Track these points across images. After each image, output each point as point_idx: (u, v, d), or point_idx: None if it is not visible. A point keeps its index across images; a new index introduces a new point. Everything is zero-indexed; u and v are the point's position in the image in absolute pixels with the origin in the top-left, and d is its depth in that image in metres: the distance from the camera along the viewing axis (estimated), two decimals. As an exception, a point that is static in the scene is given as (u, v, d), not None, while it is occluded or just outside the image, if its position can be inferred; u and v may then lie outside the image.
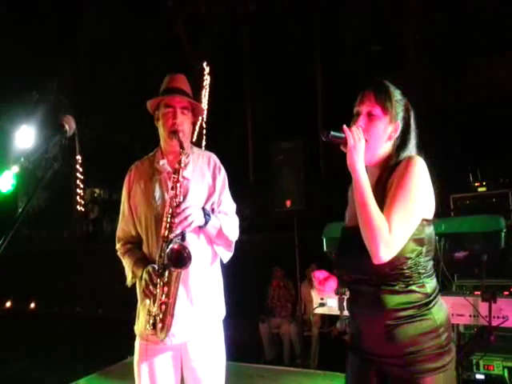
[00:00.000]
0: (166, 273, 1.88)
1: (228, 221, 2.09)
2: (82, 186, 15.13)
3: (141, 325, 2.04)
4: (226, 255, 2.13)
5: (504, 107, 8.89)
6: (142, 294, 2.03)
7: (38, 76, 12.84)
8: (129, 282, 2.10)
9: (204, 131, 14.50)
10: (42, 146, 1.46)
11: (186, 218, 1.90)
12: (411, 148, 1.59)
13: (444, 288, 2.85)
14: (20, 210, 1.38)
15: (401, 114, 1.59)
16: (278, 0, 12.41)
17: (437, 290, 1.52)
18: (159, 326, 1.89)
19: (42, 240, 13.38)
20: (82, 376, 3.87)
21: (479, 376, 3.16)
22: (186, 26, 13.89)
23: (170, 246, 1.86)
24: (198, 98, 13.85)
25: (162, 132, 2.09)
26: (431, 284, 1.51)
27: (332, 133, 1.51)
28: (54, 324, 7.07)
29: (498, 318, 2.61)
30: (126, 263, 2.10)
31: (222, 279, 2.16)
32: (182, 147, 1.97)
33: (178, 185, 1.95)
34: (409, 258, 1.46)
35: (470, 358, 3.00)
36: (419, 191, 1.47)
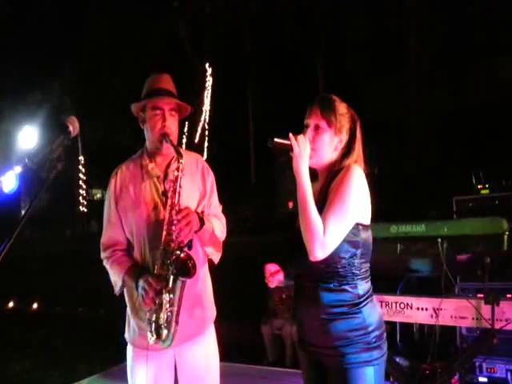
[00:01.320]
0: (170, 281, 1.84)
1: (218, 223, 2.09)
2: (84, 186, 15.17)
3: (133, 333, 2.02)
4: (217, 256, 2.13)
5: (506, 108, 8.86)
6: (131, 302, 2.01)
7: (40, 76, 12.87)
8: (117, 290, 2.05)
9: (206, 132, 14.52)
10: (46, 146, 1.46)
11: (187, 225, 1.86)
12: (355, 156, 1.74)
13: (446, 290, 2.84)
14: (23, 212, 1.38)
15: (346, 126, 1.74)
16: (280, 1, 12.42)
17: (369, 293, 1.67)
18: (164, 333, 1.85)
19: (44, 240, 13.40)
20: (84, 376, 3.87)
21: (482, 379, 3.16)
22: (189, 27, 13.91)
23: (177, 254, 1.83)
24: (200, 99, 13.87)
25: (149, 134, 2.03)
26: (364, 286, 1.66)
27: (276, 140, 1.66)
28: (56, 324, 7.06)
29: (501, 320, 2.61)
30: (116, 271, 2.02)
31: (210, 280, 2.16)
32: (179, 153, 1.92)
33: (177, 191, 1.90)
34: (343, 258, 1.62)
35: (473, 360, 2.99)
36: (353, 198, 1.63)
